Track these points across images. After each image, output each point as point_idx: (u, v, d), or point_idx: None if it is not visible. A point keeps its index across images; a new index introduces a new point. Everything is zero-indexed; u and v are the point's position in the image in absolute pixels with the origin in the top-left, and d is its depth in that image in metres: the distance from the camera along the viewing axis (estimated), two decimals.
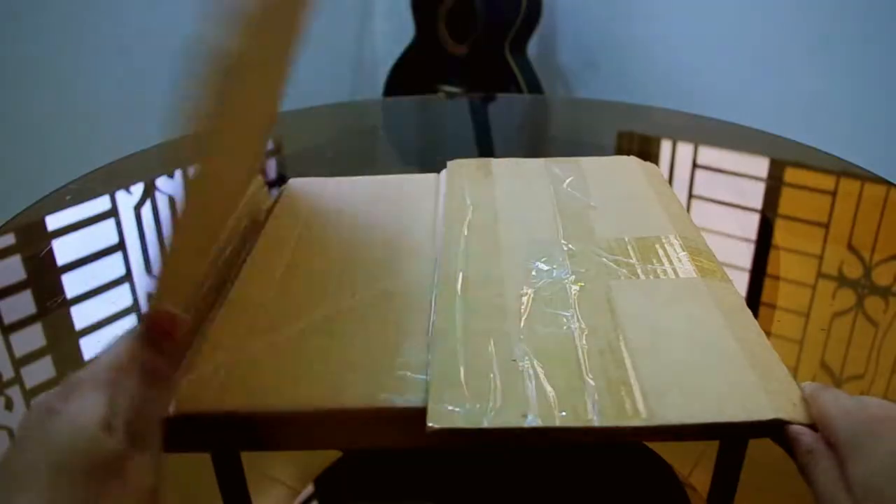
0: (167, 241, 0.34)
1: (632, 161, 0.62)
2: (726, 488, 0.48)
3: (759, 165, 0.86)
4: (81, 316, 0.58)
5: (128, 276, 0.63)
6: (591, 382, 0.35)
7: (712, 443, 0.49)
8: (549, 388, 0.34)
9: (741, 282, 0.61)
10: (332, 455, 0.52)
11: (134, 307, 0.60)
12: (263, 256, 0.49)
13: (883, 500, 0.27)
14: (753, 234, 0.68)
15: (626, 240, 0.49)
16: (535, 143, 1.09)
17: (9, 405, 0.50)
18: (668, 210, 0.53)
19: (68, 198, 0.74)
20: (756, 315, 0.41)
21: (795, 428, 0.33)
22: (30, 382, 0.52)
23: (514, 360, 0.37)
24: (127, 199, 0.80)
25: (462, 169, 0.61)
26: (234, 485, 0.49)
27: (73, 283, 0.61)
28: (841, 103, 1.53)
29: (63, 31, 1.50)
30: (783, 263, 0.65)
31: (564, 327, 0.39)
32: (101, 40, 1.56)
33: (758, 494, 0.47)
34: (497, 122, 1.15)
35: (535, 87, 1.81)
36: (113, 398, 0.30)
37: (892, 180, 0.65)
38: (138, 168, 0.90)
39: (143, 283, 0.62)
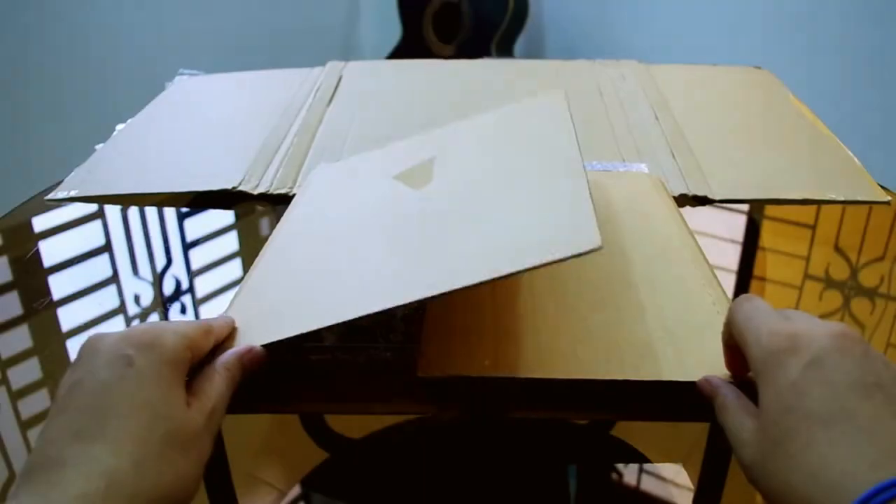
0: None
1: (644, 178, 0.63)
2: (715, 481, 0.48)
3: None
4: (68, 317, 0.58)
5: (115, 278, 0.63)
6: None
7: (701, 439, 0.50)
8: None
9: (728, 283, 0.61)
10: (319, 456, 0.52)
11: (121, 308, 0.59)
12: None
13: (779, 428, 0.29)
14: (740, 236, 0.68)
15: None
16: None
17: None
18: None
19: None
20: None
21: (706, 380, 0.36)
22: (16, 384, 0.52)
23: None
24: None
25: None
26: (220, 486, 0.49)
27: (60, 285, 0.61)
28: (833, 104, 1.55)
29: (58, 29, 1.49)
30: (770, 265, 0.65)
31: None
32: (97, 39, 1.56)
33: (749, 488, 0.47)
34: None
35: None
36: (198, 383, 0.34)
37: (879, 182, 0.66)
38: None
39: (129, 284, 0.62)
